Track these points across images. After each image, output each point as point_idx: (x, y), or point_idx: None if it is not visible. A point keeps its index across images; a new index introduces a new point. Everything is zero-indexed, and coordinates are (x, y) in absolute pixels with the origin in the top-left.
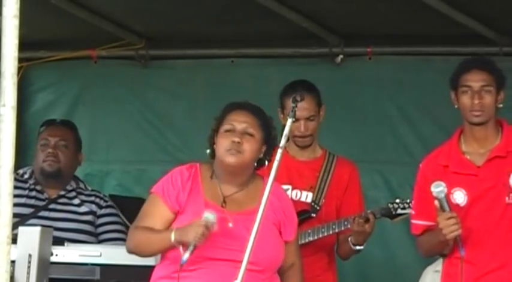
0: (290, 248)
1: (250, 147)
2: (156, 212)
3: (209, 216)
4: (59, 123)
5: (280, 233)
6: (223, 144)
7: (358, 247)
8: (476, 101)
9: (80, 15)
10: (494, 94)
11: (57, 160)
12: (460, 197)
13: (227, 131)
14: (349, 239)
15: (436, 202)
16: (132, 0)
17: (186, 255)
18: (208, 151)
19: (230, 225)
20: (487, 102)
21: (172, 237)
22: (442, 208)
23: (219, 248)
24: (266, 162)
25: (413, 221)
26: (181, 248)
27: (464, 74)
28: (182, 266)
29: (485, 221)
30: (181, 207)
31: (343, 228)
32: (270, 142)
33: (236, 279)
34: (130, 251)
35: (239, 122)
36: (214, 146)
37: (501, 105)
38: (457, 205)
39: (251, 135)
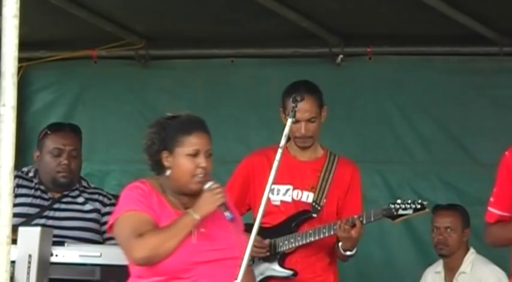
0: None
1: (211, 167)
2: (145, 221)
3: (210, 184)
4: (69, 129)
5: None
6: (187, 169)
7: (348, 252)
8: None
9: (80, 15)
10: None
11: (70, 171)
12: None
13: (190, 154)
14: (339, 244)
15: None
16: (132, 0)
17: (228, 213)
18: (153, 170)
19: (202, 230)
20: None
21: (196, 216)
22: None
23: (203, 251)
24: None
25: (490, 209)
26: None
27: None
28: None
29: None
30: (157, 217)
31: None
32: None
33: (236, 278)
34: (144, 258)
35: (202, 144)
36: (165, 164)
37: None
38: None
39: (210, 154)
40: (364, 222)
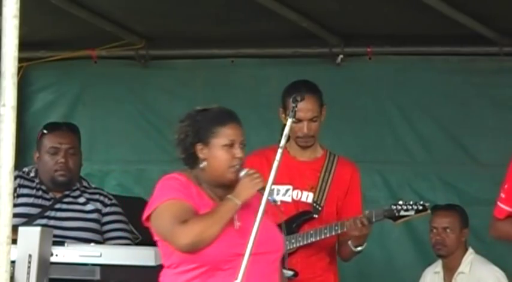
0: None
1: (244, 157)
2: (187, 208)
3: (246, 170)
4: (66, 128)
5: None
6: (224, 159)
7: (359, 248)
8: None
9: (80, 15)
10: None
11: (69, 169)
12: None
13: (226, 145)
14: (349, 242)
15: None
16: (132, 0)
17: (271, 197)
18: (183, 157)
19: (238, 223)
20: None
21: (237, 201)
22: None
23: (240, 244)
24: None
25: (499, 204)
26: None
27: None
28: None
29: None
30: (197, 207)
31: (345, 230)
32: None
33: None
34: (189, 244)
35: (237, 135)
36: (200, 156)
37: None
38: None
39: (245, 145)
40: (374, 220)
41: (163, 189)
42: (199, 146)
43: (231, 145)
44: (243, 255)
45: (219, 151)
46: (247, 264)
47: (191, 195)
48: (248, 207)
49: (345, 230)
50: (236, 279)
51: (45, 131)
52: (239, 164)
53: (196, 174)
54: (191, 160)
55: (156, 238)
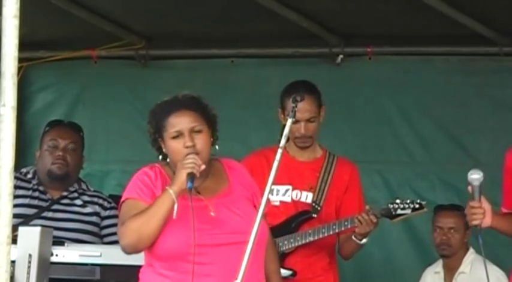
0: (266, 219)
1: (203, 143)
2: (138, 208)
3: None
4: (67, 125)
5: (255, 206)
6: (177, 151)
7: (364, 240)
8: None
9: (79, 15)
10: None
11: (66, 163)
12: None
13: (174, 137)
14: (353, 236)
15: (469, 188)
16: (132, 0)
17: (189, 183)
18: (160, 157)
19: (212, 214)
20: None
21: (171, 191)
22: (472, 195)
23: (212, 234)
24: (215, 143)
25: (502, 209)
26: (175, 207)
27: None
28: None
29: None
30: None
31: (343, 229)
32: (213, 123)
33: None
34: (129, 244)
35: (182, 123)
36: (164, 150)
37: None
38: None
39: (199, 131)
40: (379, 216)
41: (128, 187)
42: (160, 141)
43: (179, 136)
44: (207, 246)
45: (170, 144)
46: (217, 256)
47: (154, 191)
48: (229, 194)
49: (354, 225)
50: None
51: (47, 128)
52: (192, 153)
53: (169, 167)
54: (161, 155)
55: None
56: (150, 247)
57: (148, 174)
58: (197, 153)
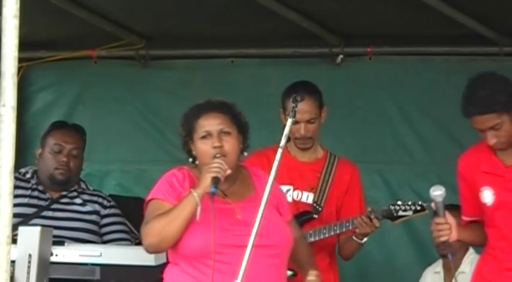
0: (292, 225)
1: (231, 146)
2: (162, 209)
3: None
4: (72, 128)
5: (281, 214)
6: (204, 152)
7: (365, 239)
8: None
9: (79, 15)
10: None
11: (69, 169)
12: (488, 196)
13: (203, 137)
14: (354, 236)
15: (433, 204)
16: (132, 0)
17: (213, 188)
18: (190, 160)
19: (238, 217)
20: None
21: (195, 193)
22: (437, 212)
23: (238, 235)
24: (245, 150)
25: (462, 217)
26: (199, 209)
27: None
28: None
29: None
30: None
31: (344, 230)
32: (244, 130)
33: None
34: (151, 245)
35: (212, 125)
36: (193, 152)
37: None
38: (485, 204)
39: (228, 133)
40: (380, 218)
41: (155, 187)
42: (191, 144)
43: (207, 136)
44: (231, 247)
45: (199, 145)
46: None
47: (180, 193)
48: (255, 200)
49: (355, 227)
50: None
51: (51, 128)
52: (219, 154)
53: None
54: (191, 158)
55: None
56: (174, 246)
57: (176, 176)
58: (224, 155)
